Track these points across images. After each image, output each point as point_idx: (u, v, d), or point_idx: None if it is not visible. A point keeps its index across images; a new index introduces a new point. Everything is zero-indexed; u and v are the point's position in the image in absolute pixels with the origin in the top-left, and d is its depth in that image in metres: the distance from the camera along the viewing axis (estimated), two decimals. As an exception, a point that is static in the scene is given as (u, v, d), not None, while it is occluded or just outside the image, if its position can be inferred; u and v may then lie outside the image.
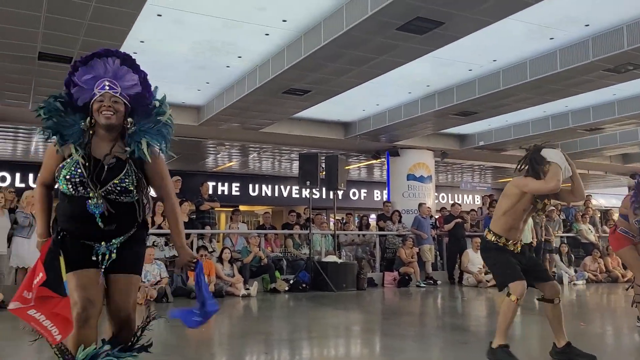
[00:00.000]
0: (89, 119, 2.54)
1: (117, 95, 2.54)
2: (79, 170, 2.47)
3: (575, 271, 11.37)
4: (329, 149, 13.23)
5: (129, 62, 2.64)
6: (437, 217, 12.62)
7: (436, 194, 21.06)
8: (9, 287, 7.55)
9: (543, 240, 11.51)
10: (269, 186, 19.27)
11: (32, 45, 6.45)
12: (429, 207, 12.05)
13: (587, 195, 14.49)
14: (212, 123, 10.69)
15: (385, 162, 14.04)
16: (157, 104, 2.70)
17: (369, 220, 12.94)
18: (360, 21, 5.94)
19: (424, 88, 9.75)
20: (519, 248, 4.06)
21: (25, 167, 15.74)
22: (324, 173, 10.20)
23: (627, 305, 7.92)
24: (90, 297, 2.49)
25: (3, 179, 15.35)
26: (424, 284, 10.45)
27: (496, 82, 8.64)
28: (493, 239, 4.01)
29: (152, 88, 2.70)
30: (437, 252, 11.96)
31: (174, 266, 8.82)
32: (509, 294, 3.84)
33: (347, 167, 15.25)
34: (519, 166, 4.03)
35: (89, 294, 2.49)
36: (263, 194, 19.09)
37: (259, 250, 9.42)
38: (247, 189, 18.81)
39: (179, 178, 10.10)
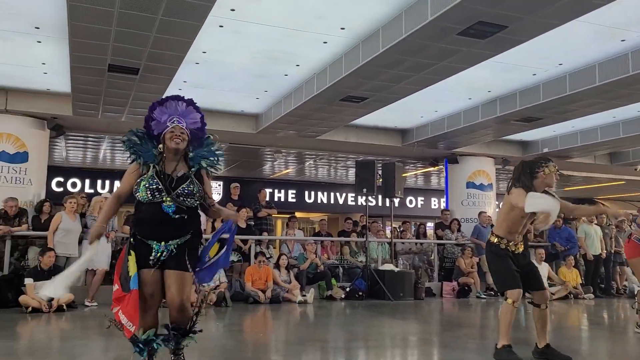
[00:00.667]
0: (161, 145, 3.37)
1: (184, 128, 3.39)
2: (155, 180, 3.30)
3: (649, 285, 10.73)
4: (385, 156, 13.13)
5: (192, 104, 3.54)
6: (498, 226, 12.24)
7: (497, 202, 20.54)
8: (79, 288, 7.95)
9: (613, 252, 10.96)
10: (325, 193, 19.35)
11: (103, 58, 6.78)
12: (489, 216, 11.72)
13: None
14: (270, 131, 10.86)
15: (444, 170, 13.78)
16: (209, 136, 3.60)
17: (426, 228, 12.72)
18: (419, 27, 5.86)
19: (484, 94, 9.52)
20: (520, 249, 4.43)
21: (95, 173, 16.56)
22: (380, 180, 10.13)
23: None
24: (151, 292, 3.29)
25: (74, 185, 16.20)
26: (485, 295, 10.16)
27: (562, 87, 8.31)
28: (496, 241, 4.42)
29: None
30: (498, 263, 11.59)
31: (233, 271, 9.01)
32: (506, 299, 4.30)
33: (404, 175, 15.09)
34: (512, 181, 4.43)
35: (150, 289, 3.28)
36: (319, 201, 19.18)
37: (316, 257, 9.45)
38: (303, 196, 18.96)
39: (238, 185, 10.33)
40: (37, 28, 6.73)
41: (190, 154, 3.44)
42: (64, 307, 7.05)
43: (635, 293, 10.18)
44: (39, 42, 7.18)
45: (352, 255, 10.55)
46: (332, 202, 19.39)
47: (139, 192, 3.31)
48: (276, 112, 9.99)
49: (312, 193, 19.16)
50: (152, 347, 3.30)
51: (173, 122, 3.37)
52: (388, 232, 13.00)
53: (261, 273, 8.45)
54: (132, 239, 3.37)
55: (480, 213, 11.48)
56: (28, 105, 9.45)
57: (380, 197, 13.79)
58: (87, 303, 7.67)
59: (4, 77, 8.75)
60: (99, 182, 16.62)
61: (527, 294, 4.50)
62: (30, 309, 6.83)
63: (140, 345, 3.28)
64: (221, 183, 16.89)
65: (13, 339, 5.51)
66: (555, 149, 12.59)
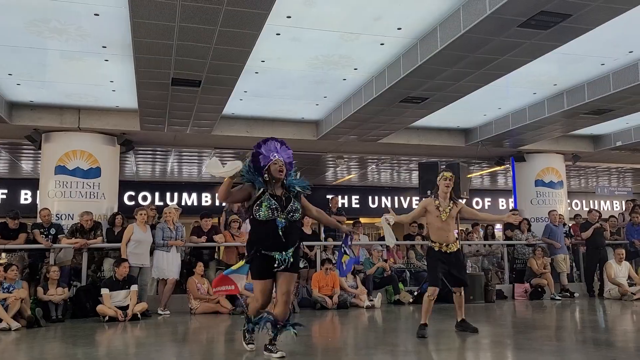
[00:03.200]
0: (266, 175, 4.44)
1: (283, 161, 4.49)
2: (273, 201, 4.36)
3: None
4: (449, 157, 12.88)
5: (284, 144, 4.67)
6: (571, 224, 11.71)
7: (569, 200, 19.64)
8: (151, 297, 8.28)
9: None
10: (389, 197, 19.21)
11: (166, 72, 7.05)
12: (561, 215, 11.22)
13: None
14: (331, 137, 10.91)
15: (510, 169, 13.34)
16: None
17: (494, 229, 12.33)
18: (478, 22, 5.72)
19: (550, 87, 9.15)
20: (454, 249, 5.80)
21: (163, 186, 17.24)
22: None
23: None
24: (267, 300, 4.49)
25: (144, 198, 16.93)
26: (559, 296, 9.72)
27: (634, 76, 7.85)
28: (430, 244, 5.86)
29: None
30: (573, 263, 11.09)
31: (300, 278, 9.09)
32: (427, 293, 5.73)
33: (469, 175, 14.73)
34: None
35: (267, 298, 4.48)
36: (383, 206, 19.05)
37: (382, 260, 9.37)
38: (367, 201, 18.91)
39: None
40: (105, 47, 7.07)
41: (286, 181, 4.53)
42: (139, 315, 7.35)
43: None
44: (107, 60, 7.53)
45: (419, 259, 10.39)
46: (396, 206, 19.21)
47: (261, 211, 4.32)
48: (336, 118, 10.04)
49: (376, 198, 19.07)
50: (259, 326, 4.52)
51: (274, 156, 4.44)
52: (455, 234, 12.69)
53: (327, 279, 8.48)
54: (255, 253, 4.39)
55: (550, 212, 11.00)
56: (99, 122, 9.97)
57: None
58: (160, 312, 7.96)
59: (77, 97, 9.26)
60: (168, 194, 17.29)
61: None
62: (107, 317, 7.16)
63: (252, 324, 4.60)
64: (284, 191, 17.13)
65: (93, 346, 5.80)
66: (629, 141, 11.91)
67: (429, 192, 6.08)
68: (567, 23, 5.77)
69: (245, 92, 8.92)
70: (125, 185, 15.25)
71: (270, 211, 4.29)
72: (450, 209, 5.78)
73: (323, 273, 8.54)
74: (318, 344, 5.90)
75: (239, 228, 8.84)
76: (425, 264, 10.74)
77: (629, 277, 9.70)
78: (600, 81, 8.48)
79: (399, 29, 6.65)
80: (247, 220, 7.62)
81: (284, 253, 4.33)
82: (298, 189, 4.56)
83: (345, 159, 14.02)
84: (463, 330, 5.94)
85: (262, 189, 4.39)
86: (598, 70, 8.26)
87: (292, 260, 4.38)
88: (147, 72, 7.08)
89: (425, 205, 5.83)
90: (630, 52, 7.55)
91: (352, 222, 11.29)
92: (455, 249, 5.80)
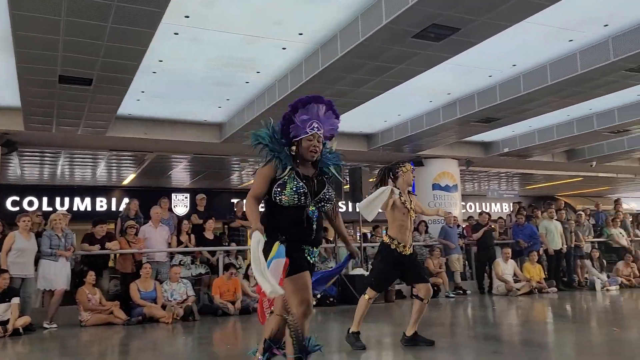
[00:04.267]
0: (293, 147, 3.17)
1: (321, 135, 3.21)
2: (301, 184, 3.12)
3: (608, 276, 11.02)
4: (352, 161, 13.16)
5: (332, 109, 3.33)
6: (464, 226, 12.42)
7: (463, 203, 20.78)
8: (36, 309, 7.66)
9: (573, 245, 11.23)
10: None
11: (52, 69, 6.59)
12: (455, 217, 11.86)
13: (616, 199, 14.12)
14: (235, 139, 10.77)
15: (410, 173, 13.89)
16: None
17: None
18: (375, 31, 5.92)
19: (444, 96, 9.67)
20: (408, 252, 4.95)
21: (53, 191, 16.09)
22: (348, 186, 10.15)
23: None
24: (310, 298, 3.12)
25: (30, 203, 15.68)
26: (453, 294, 10.25)
27: (517, 87, 8.51)
28: (387, 240, 4.95)
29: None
30: (466, 262, 11.76)
31: (201, 284, 8.86)
32: (365, 294, 5.07)
33: (371, 179, 15.15)
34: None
35: (309, 296, 3.12)
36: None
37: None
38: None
39: (204, 196, 10.17)
40: (-17, 40, 6.50)
41: (320, 158, 3.28)
42: (21, 330, 6.77)
43: (601, 287, 10.50)
44: (-14, 54, 6.94)
45: (322, 262, 10.52)
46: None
47: (284, 195, 3.10)
48: (240, 121, 9.92)
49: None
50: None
51: (313, 129, 3.17)
52: (358, 237, 13.01)
53: (229, 284, 8.33)
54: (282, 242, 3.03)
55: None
56: (-24, 121, 9.14)
57: (349, 202, 13.83)
58: (45, 325, 7.39)
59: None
60: (58, 199, 16.15)
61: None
62: (-16, 333, 6.53)
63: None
64: (187, 195, 16.66)
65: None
66: (515, 148, 12.88)
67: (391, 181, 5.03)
68: (457, 36, 6.12)
69: (143, 92, 8.57)
70: (8, 189, 14.07)
71: (296, 196, 3.10)
72: (412, 205, 5.04)
73: (225, 278, 8.38)
74: (219, 352, 5.77)
75: (136, 234, 8.45)
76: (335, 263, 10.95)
77: (514, 274, 10.45)
78: (488, 92, 9.08)
79: (301, 34, 6.71)
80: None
81: (313, 250, 3.21)
82: (333, 171, 3.35)
83: (251, 162, 13.91)
84: (415, 345, 5.03)
85: (288, 167, 3.15)
86: (486, 81, 8.84)
87: (315, 264, 3.31)
88: (31, 68, 6.58)
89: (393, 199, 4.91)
90: (514, 65, 8.15)
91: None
92: (410, 252, 5.00)
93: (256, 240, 2.93)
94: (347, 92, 8.03)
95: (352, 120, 10.58)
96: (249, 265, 8.91)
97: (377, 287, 5.10)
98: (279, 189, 3.11)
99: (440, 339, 5.69)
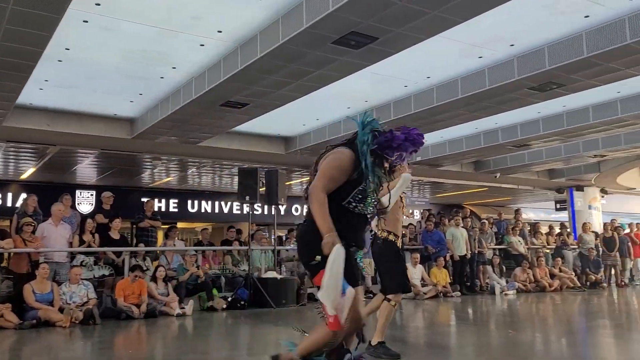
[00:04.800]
0: (376, 160, 3.02)
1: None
2: (374, 199, 3.06)
3: (507, 282, 11.72)
4: (270, 163, 13.08)
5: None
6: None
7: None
8: None
9: (477, 252, 11.83)
10: (209, 202, 18.87)
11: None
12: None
13: (517, 209, 15.08)
14: (148, 136, 10.37)
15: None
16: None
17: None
18: (295, 34, 5.92)
19: (362, 103, 9.86)
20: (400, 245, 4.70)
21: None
22: (264, 188, 10.07)
23: (556, 314, 8.23)
24: (361, 313, 2.98)
25: None
26: (365, 297, 10.45)
27: (430, 99, 8.86)
28: (392, 238, 4.60)
29: None
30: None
31: (104, 286, 8.42)
32: (389, 300, 4.52)
33: (288, 182, 15.17)
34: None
35: (360, 311, 2.97)
36: (202, 210, 18.66)
37: (195, 267, 9.13)
38: (186, 205, 18.34)
39: (111, 194, 9.69)
40: None
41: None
42: None
43: (500, 291, 11.13)
44: None
45: (235, 265, 10.35)
46: (216, 211, 18.96)
47: (362, 204, 2.97)
48: (153, 117, 9.56)
49: (196, 202, 18.60)
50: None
51: (404, 161, 3.26)
52: (273, 240, 12.95)
53: (134, 287, 7.96)
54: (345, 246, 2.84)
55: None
56: None
57: (265, 205, 13.74)
58: None
59: None
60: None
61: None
62: None
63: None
64: (93, 192, 15.82)
65: None
66: (427, 157, 13.39)
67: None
68: (375, 45, 6.26)
69: (47, 81, 8.03)
70: None
71: (370, 208, 3.06)
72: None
73: (129, 280, 8.01)
74: (120, 357, 5.50)
75: (33, 232, 7.88)
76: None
77: (422, 279, 10.84)
78: (404, 101, 9.38)
79: (220, 31, 6.58)
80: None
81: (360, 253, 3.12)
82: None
83: (164, 160, 13.45)
84: (378, 357, 4.49)
85: (370, 177, 3.01)
86: (402, 91, 9.13)
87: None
88: None
89: None
90: (428, 77, 8.48)
91: (167, 226, 10.86)
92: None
93: (338, 254, 2.72)
94: (266, 94, 7.97)
95: (271, 123, 10.55)
96: (157, 267, 8.59)
97: (403, 288, 4.62)
98: (360, 196, 2.97)
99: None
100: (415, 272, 10.73)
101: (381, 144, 3.01)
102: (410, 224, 13.32)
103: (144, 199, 12.14)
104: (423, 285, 10.66)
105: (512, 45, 7.20)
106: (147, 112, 9.79)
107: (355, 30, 5.81)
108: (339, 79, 7.50)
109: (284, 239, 12.76)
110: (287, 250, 11.58)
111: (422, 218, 13.61)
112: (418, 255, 11.01)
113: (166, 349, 5.94)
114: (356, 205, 2.97)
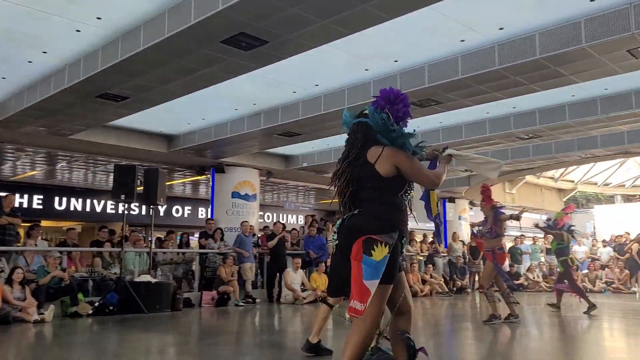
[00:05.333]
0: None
1: None
2: None
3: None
4: (151, 162, 12.51)
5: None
6: (260, 235, 12.65)
7: (261, 212, 21.23)
8: None
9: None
10: (79, 200, 17.59)
11: None
12: (251, 225, 12.02)
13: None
14: (10, 124, 9.40)
15: (211, 179, 13.74)
16: None
17: (190, 238, 12.44)
18: (183, 29, 5.69)
19: (250, 106, 9.76)
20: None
21: None
22: (141, 187, 9.57)
23: (425, 317, 8.71)
24: (408, 299, 3.17)
25: None
26: (243, 302, 10.32)
27: (318, 106, 8.99)
28: None
29: None
30: (258, 271, 11.96)
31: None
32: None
33: (169, 182, 14.62)
34: None
35: (407, 297, 3.16)
36: (72, 208, 17.35)
37: (59, 269, 8.41)
38: (52, 202, 16.94)
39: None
40: None
41: None
42: None
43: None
44: None
45: (105, 267, 9.70)
46: (88, 209, 17.73)
47: (406, 197, 3.10)
48: (18, 104, 8.69)
49: (64, 199, 17.24)
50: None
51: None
52: (152, 242, 12.35)
53: (-15, 290, 7.16)
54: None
55: (242, 222, 11.68)
56: None
57: (142, 205, 13.09)
58: None
59: None
60: None
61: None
62: None
63: None
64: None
65: None
66: (314, 163, 13.61)
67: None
68: (265, 48, 6.21)
69: None
70: None
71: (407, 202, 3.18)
72: None
73: (-19, 284, 7.19)
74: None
75: None
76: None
77: (302, 284, 10.94)
78: (292, 107, 9.43)
79: (99, 18, 6.15)
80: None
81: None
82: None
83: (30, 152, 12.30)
84: (317, 354, 4.82)
85: None
86: (291, 97, 9.17)
87: None
88: None
89: None
90: (316, 85, 8.60)
91: (29, 224, 9.92)
92: None
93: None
94: (148, 88, 7.59)
95: (153, 119, 10.09)
96: (14, 268, 7.79)
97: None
98: (408, 188, 3.10)
99: (225, 348, 5.66)
100: (295, 277, 10.81)
101: (398, 111, 3.12)
102: (294, 228, 13.43)
103: (3, 194, 10.98)
104: (303, 290, 10.76)
105: (396, 61, 7.53)
106: (10, 98, 8.87)
107: (245, 31, 5.72)
108: (227, 79, 7.34)
109: (162, 240, 12.23)
110: (164, 252, 11.11)
111: (305, 223, 13.77)
112: (299, 260, 11.10)
113: (19, 358, 5.38)
114: (405, 198, 3.10)
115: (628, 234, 15.10)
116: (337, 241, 3.06)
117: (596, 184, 24.39)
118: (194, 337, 7.00)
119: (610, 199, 28.09)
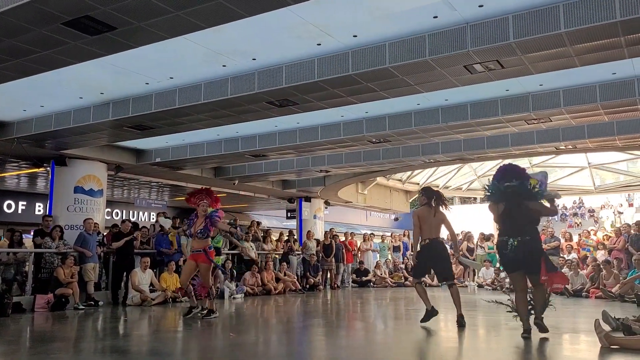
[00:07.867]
0: None
1: None
2: None
3: (237, 285, 12.14)
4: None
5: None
6: (106, 233, 11.85)
7: (109, 209, 19.95)
8: None
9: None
10: None
11: None
12: (96, 223, 11.22)
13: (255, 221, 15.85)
14: None
15: (50, 172, 12.52)
16: None
17: (23, 237, 11.23)
18: (16, 5, 5.10)
19: (97, 95, 9.06)
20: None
21: None
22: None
23: (278, 315, 8.82)
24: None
25: None
26: (84, 305, 9.58)
27: (173, 100, 8.63)
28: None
29: None
30: (103, 271, 11.20)
31: None
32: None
33: (0, 175, 13.09)
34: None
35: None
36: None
37: None
38: None
39: None
40: None
41: None
42: None
43: (229, 295, 11.43)
44: None
45: None
46: None
47: None
48: None
49: None
50: None
51: None
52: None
53: None
54: None
55: (85, 220, 10.83)
56: None
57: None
58: None
59: None
60: None
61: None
62: None
63: None
64: None
65: None
66: (168, 159, 13.08)
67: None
68: (113, 35, 5.82)
69: None
70: None
71: None
72: None
73: None
74: None
75: None
76: None
77: (151, 284, 10.47)
78: (144, 99, 8.94)
79: None
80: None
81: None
82: None
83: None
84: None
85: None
86: (143, 88, 8.69)
87: None
88: None
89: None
90: (171, 77, 8.25)
91: None
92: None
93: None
94: (-27, 68, 6.69)
95: (-20, 103, 8.92)
96: None
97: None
98: None
99: (61, 356, 5.21)
100: (144, 278, 10.32)
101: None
102: (144, 227, 12.79)
103: None
104: (152, 291, 10.30)
105: (254, 59, 7.51)
106: None
107: (90, 14, 5.29)
108: (70, 64, 6.73)
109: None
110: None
111: (156, 221, 13.19)
112: (148, 260, 10.62)
113: None
114: None
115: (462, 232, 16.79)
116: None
117: (438, 186, 26.78)
118: (22, 345, 6.33)
119: (449, 201, 30.99)
